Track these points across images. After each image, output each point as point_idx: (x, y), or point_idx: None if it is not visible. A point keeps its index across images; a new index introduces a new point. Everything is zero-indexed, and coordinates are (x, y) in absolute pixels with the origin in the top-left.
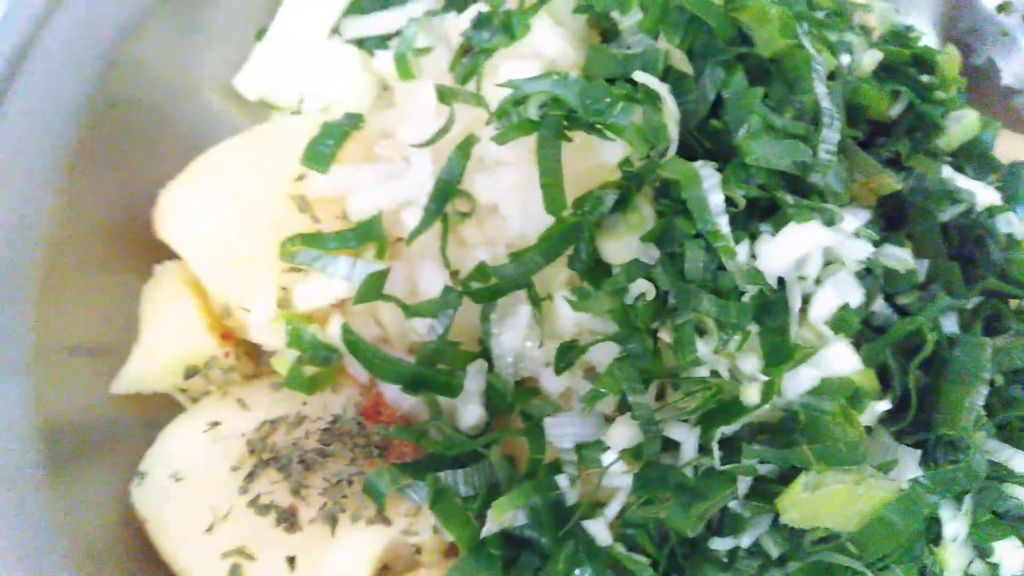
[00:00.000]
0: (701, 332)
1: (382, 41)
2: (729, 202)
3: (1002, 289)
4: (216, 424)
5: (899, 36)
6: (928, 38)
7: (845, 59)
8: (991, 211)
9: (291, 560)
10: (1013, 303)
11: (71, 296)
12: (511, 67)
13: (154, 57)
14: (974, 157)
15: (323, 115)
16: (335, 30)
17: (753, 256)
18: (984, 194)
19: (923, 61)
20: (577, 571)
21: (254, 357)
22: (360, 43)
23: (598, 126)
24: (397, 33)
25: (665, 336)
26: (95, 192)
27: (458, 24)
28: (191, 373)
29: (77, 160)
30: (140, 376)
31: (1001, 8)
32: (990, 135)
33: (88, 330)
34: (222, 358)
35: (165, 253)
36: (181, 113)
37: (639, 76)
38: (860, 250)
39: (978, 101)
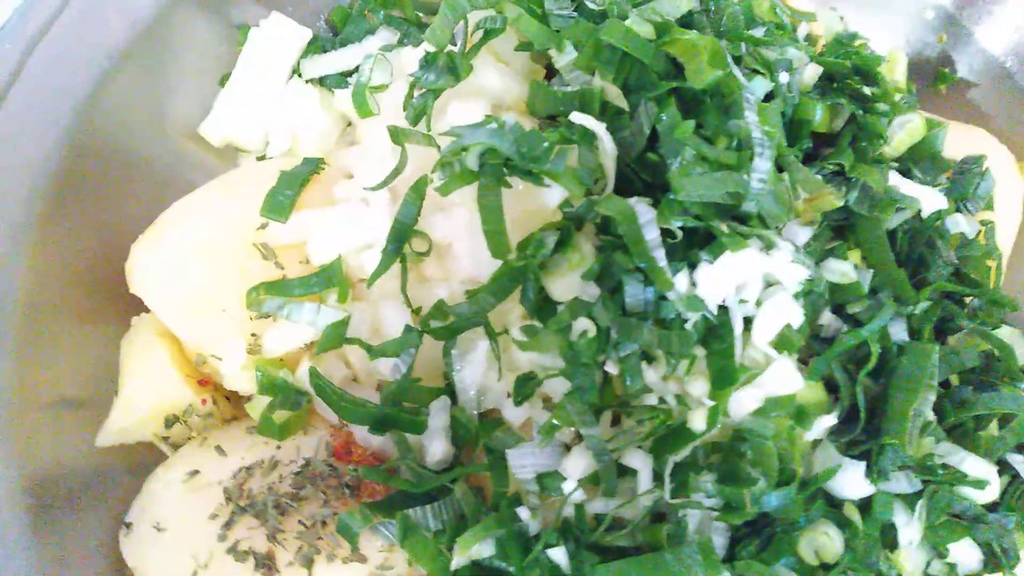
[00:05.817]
0: (650, 360)
1: (342, 79)
2: (668, 233)
3: (955, 289)
4: (195, 473)
5: (843, 45)
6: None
7: (785, 77)
8: (938, 215)
9: None
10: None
11: (50, 350)
12: (459, 106)
13: (123, 107)
14: (923, 159)
15: (286, 159)
16: (296, 71)
17: (694, 283)
18: (930, 198)
19: (865, 72)
20: None
21: (233, 400)
22: (321, 82)
23: (535, 172)
24: (356, 70)
25: (612, 368)
26: (70, 243)
27: (413, 59)
28: (171, 422)
29: (51, 212)
30: (122, 428)
31: None
32: (938, 136)
33: (69, 383)
34: (200, 405)
35: (142, 305)
36: (152, 159)
37: (575, 117)
38: (797, 273)
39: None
